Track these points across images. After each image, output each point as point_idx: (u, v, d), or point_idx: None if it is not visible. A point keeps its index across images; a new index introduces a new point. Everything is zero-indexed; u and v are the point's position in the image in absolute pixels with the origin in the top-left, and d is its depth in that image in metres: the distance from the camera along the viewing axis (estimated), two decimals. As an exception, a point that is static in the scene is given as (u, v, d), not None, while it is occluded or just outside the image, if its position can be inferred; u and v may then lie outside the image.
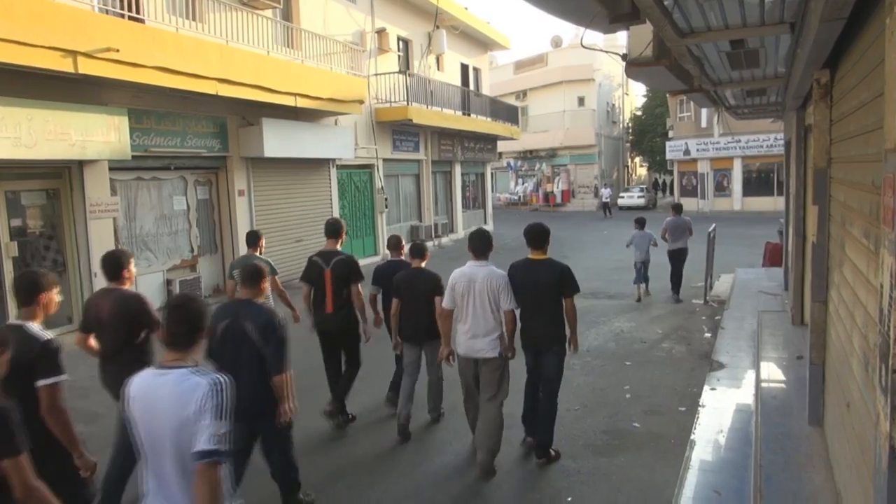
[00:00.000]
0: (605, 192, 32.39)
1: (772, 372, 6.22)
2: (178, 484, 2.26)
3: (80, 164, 9.09)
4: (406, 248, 6.19)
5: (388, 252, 6.51)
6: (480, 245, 4.83)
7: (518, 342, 4.91)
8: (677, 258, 11.07)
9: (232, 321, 3.92)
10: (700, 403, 5.80)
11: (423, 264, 5.66)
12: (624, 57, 5.53)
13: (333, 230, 5.86)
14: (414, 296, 5.42)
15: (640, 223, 11.48)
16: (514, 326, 4.78)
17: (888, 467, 1.83)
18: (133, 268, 4.40)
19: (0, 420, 2.33)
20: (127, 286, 4.29)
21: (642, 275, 11.15)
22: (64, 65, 7.80)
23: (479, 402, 4.90)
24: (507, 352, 4.79)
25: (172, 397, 2.25)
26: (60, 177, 9.11)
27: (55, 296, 3.37)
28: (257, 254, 6.62)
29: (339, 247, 5.87)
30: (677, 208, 11.60)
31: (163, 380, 2.31)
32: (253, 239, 6.75)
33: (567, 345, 5.00)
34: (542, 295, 4.83)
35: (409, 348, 5.64)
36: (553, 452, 5.06)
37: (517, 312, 4.78)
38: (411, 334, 5.56)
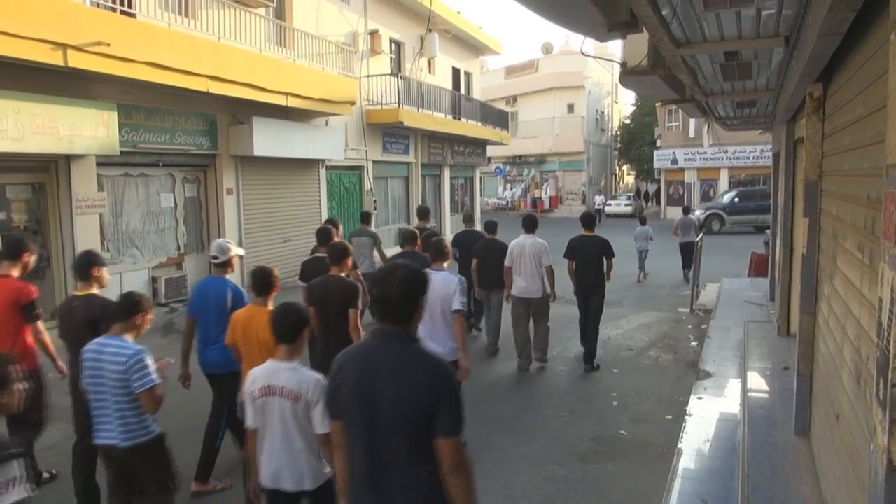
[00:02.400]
0: (599, 199, 32.55)
1: (758, 382, 6.26)
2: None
3: (68, 159, 8.97)
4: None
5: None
6: (530, 224, 7.48)
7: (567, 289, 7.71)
8: (686, 249, 13.62)
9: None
10: (687, 412, 5.82)
11: (496, 237, 8.10)
12: (624, 65, 5.55)
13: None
14: (492, 258, 7.72)
15: (643, 220, 14.63)
16: (552, 277, 7.31)
17: (885, 480, 1.83)
18: (105, 272, 4.32)
19: None
20: (95, 288, 4.22)
21: (642, 260, 13.87)
22: (53, 58, 7.70)
23: (526, 328, 7.49)
24: (551, 294, 7.43)
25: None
26: (47, 171, 8.98)
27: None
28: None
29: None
30: (686, 210, 15.11)
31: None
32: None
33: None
34: (591, 257, 7.45)
35: (487, 294, 8.07)
36: (596, 364, 7.56)
37: (572, 265, 7.53)
38: (487, 284, 7.94)
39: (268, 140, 12.14)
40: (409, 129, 17.88)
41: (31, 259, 4.45)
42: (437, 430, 2.21)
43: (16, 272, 4.38)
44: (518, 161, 40.87)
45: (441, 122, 18.93)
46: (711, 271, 13.50)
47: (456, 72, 22.56)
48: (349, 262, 4.90)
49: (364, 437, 2.29)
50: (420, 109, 17.55)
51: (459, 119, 20.74)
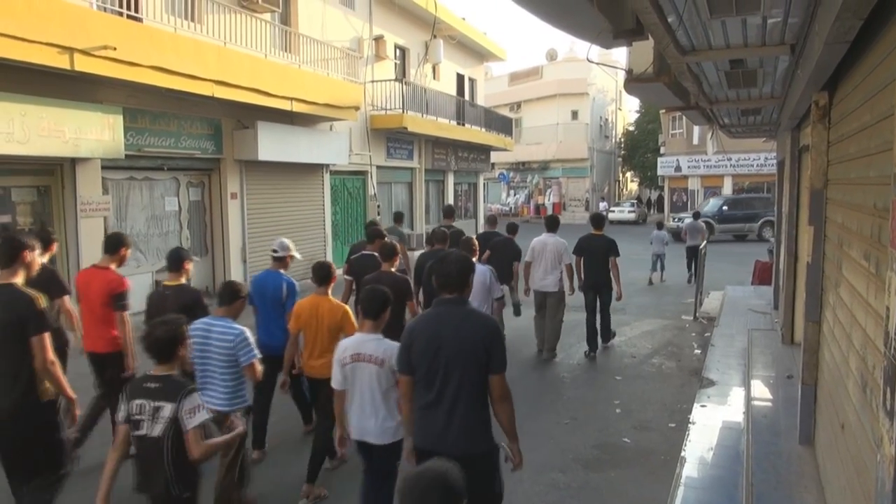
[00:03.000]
0: (602, 205, 32.54)
1: (762, 390, 6.23)
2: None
3: (73, 162, 9.01)
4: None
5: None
6: (552, 224, 8.21)
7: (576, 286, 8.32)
8: (692, 252, 14.21)
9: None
10: (690, 420, 5.79)
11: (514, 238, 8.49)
12: (629, 73, 5.56)
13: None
14: (504, 257, 8.04)
15: (660, 225, 15.51)
16: (571, 273, 8.05)
17: (892, 490, 1.82)
18: (189, 265, 5.03)
19: None
20: (184, 279, 4.92)
21: (660, 264, 14.50)
22: (60, 61, 7.75)
23: (545, 318, 8.17)
24: (569, 289, 8.12)
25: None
26: (52, 174, 9.02)
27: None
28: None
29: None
30: (695, 214, 16.06)
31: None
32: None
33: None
34: (598, 255, 8.20)
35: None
36: (613, 332, 8.89)
37: (582, 264, 8.29)
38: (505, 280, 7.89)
39: (272, 145, 12.18)
40: (414, 134, 17.91)
41: (127, 253, 5.03)
42: (491, 368, 3.04)
43: (114, 265, 4.95)
44: (522, 167, 40.92)
45: (445, 127, 18.97)
46: (715, 279, 13.47)
47: (460, 78, 22.62)
48: (398, 259, 5.73)
49: (433, 379, 3.08)
50: (424, 115, 17.59)
51: (463, 125, 20.78)
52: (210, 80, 9.95)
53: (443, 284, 3.17)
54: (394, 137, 17.73)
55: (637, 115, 43.96)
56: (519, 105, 40.60)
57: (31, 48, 7.37)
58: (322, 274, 4.65)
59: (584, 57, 6.01)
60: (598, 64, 11.12)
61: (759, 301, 10.77)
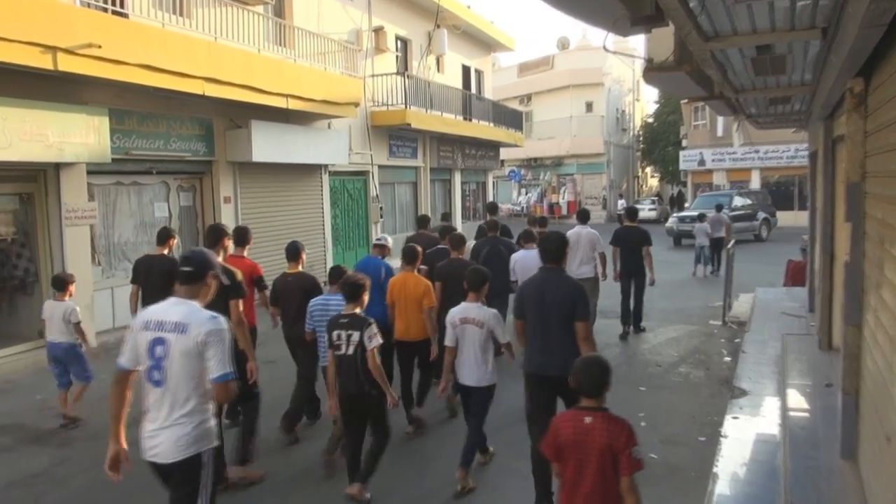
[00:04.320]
0: (622, 203, 32.45)
1: (798, 400, 6.20)
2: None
3: (57, 167, 9.07)
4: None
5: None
6: (583, 216, 9.67)
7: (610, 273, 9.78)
8: (716, 245, 15.83)
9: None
10: (722, 433, 5.76)
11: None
12: (649, 62, 5.56)
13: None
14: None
15: (702, 217, 17.28)
16: (604, 261, 9.19)
17: (945, 509, 1.81)
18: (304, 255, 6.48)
19: None
20: (300, 267, 6.34)
21: (703, 257, 15.88)
22: (43, 61, 7.81)
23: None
24: (602, 275, 9.19)
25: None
26: (35, 180, 9.08)
27: None
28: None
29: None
30: (718, 207, 17.25)
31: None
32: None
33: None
34: (633, 244, 9.66)
35: None
36: (642, 326, 10.19)
37: (618, 254, 9.77)
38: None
39: (267, 145, 12.24)
40: (417, 131, 17.96)
41: (250, 242, 6.47)
42: (576, 317, 4.46)
43: (246, 253, 6.37)
44: (533, 164, 40.92)
45: (451, 123, 19.01)
46: (743, 280, 13.41)
47: (466, 70, 22.67)
48: (465, 248, 7.27)
49: (538, 322, 4.57)
50: (428, 110, 17.64)
51: (470, 120, 20.82)
52: (200, 78, 10.01)
53: (545, 258, 4.70)
54: (396, 135, 17.78)
55: (656, 106, 43.89)
56: (529, 98, 40.64)
57: (11, 48, 7.43)
58: (410, 256, 6.26)
59: (599, 45, 6.02)
60: (614, 53, 11.05)
61: (793, 303, 10.71)
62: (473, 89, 22.99)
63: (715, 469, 5.06)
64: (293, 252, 6.33)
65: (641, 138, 45.24)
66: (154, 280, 6.66)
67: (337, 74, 14.07)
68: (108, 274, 10.24)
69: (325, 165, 14.87)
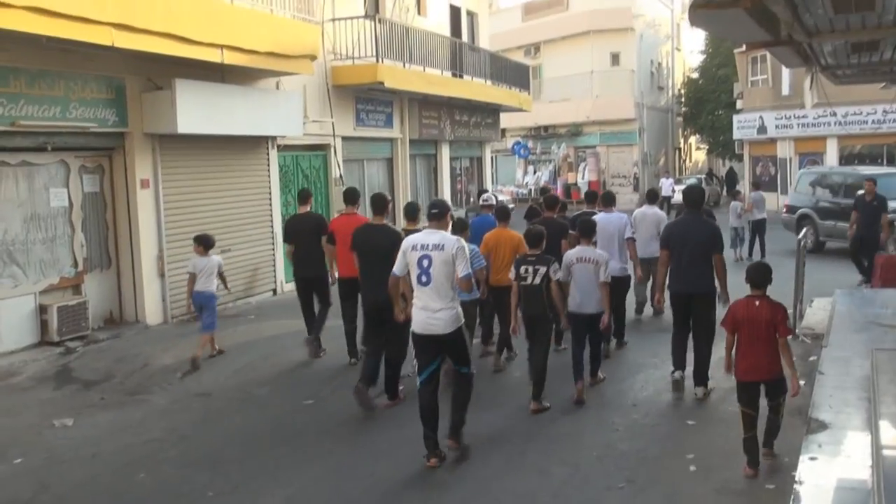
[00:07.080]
0: (667, 183, 32.24)
1: (894, 435, 6.23)
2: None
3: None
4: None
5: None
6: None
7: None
8: (758, 226, 18.29)
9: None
10: (796, 479, 5.78)
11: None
12: (696, -5, 5.56)
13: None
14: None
15: (736, 194, 20.81)
16: (634, 249, 10.52)
17: None
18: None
19: None
20: (385, 219, 8.57)
21: (738, 239, 18.21)
22: None
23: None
24: (636, 265, 10.70)
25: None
26: None
27: None
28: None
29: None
30: (757, 184, 21.07)
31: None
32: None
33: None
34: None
35: None
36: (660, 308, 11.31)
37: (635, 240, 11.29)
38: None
39: (196, 111, 12.16)
40: (393, 92, 18.01)
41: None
42: (713, 251, 8.05)
43: (357, 211, 9.64)
44: (544, 134, 41.05)
45: (436, 81, 19.06)
46: (819, 281, 13.45)
47: (455, 12, 22.70)
48: (558, 207, 10.83)
49: (682, 253, 8.10)
50: (407, 65, 17.67)
51: (461, 77, 20.87)
52: (108, 24, 9.93)
53: (688, 205, 8.48)
54: (365, 97, 17.80)
55: (703, 58, 44.09)
56: (538, 47, 40.77)
57: None
58: (502, 214, 9.70)
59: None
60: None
61: (885, 310, 10.77)
62: (465, 37, 23.03)
63: (788, 525, 5.08)
64: (380, 203, 8.49)
65: (683, 99, 45.35)
66: (304, 236, 9.93)
67: (287, 18, 14.06)
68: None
69: (273, 138, 14.85)
